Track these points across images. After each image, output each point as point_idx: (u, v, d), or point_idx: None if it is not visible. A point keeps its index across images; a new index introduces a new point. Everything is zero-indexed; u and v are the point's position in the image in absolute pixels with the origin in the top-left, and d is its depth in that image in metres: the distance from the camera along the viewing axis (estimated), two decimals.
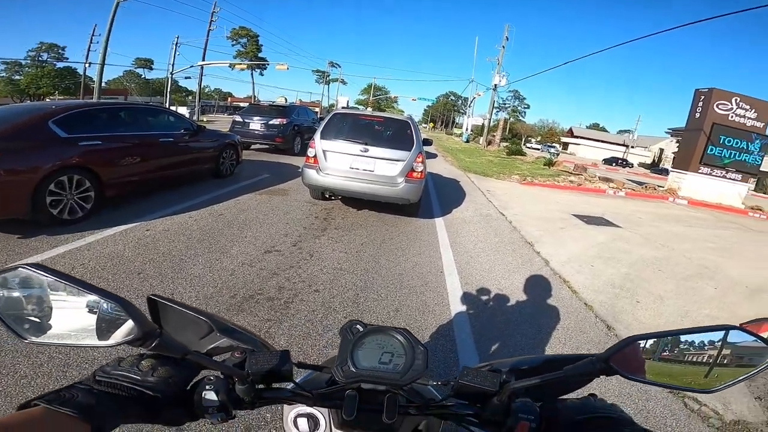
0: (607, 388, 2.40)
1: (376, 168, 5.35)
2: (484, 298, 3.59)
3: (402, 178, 5.30)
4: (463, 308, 3.29)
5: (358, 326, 0.61)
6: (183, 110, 24.00)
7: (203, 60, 28.61)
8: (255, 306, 2.92)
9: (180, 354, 0.48)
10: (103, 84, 23.05)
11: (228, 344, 0.62)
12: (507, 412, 0.52)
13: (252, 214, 5.27)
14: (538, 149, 45.58)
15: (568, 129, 74.20)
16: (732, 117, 13.01)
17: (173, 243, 3.93)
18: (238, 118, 11.58)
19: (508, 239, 5.67)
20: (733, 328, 0.42)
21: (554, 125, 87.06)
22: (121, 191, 4.81)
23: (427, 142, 6.56)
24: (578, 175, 15.38)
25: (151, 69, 63.02)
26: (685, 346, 0.44)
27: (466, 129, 45.92)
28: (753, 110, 13.06)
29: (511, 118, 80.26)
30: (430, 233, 5.44)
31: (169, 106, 22.11)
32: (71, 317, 0.45)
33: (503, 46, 30.39)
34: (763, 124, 13.19)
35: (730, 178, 13.42)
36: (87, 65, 34.50)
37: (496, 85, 30.23)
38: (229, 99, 54.28)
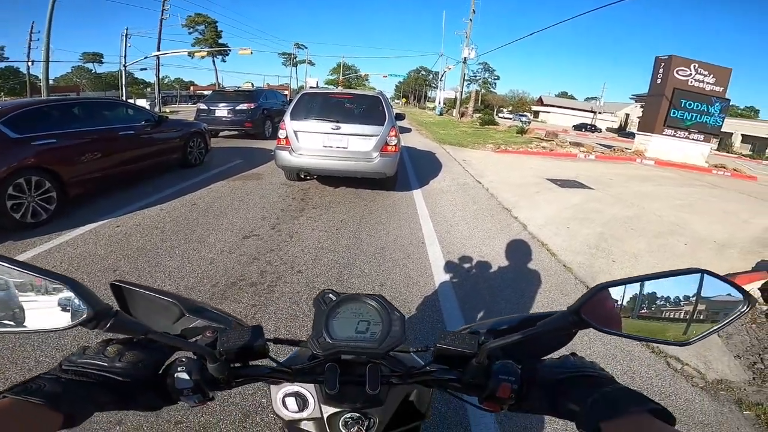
0: (592, 350, 2.46)
1: (350, 144, 5.34)
2: (467, 265, 3.65)
3: (377, 153, 5.30)
4: (447, 277, 3.34)
5: (330, 295, 0.59)
6: (142, 102, 22.85)
7: (158, 50, 27.23)
8: (238, 293, 2.88)
9: (141, 334, 0.45)
10: (51, 81, 21.56)
11: (203, 326, 0.60)
12: (488, 375, 0.51)
13: (226, 200, 5.13)
14: (510, 119, 45.93)
15: (538, 98, 74.96)
16: (691, 82, 13.61)
17: (147, 237, 3.79)
18: (203, 106, 11.22)
19: (486, 206, 5.76)
20: (701, 271, 0.42)
21: (524, 95, 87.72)
22: (86, 189, 4.59)
23: (399, 116, 6.52)
24: (550, 141, 15.66)
25: (102, 63, 60.03)
26: (662, 302, 0.44)
27: (439, 102, 45.77)
28: (711, 75, 13.70)
29: (483, 90, 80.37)
30: (408, 205, 5.46)
31: (126, 99, 20.96)
32: (20, 302, 0.42)
33: (470, 19, 30.13)
34: (722, 88, 13.87)
35: (693, 139, 14.10)
36: (30, 63, 32.01)
37: (465, 58, 30.23)
38: (192, 88, 52.07)
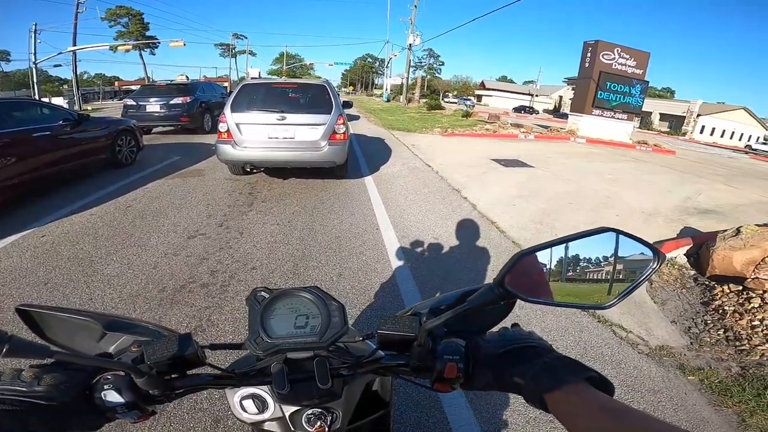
0: (546, 323, 2.58)
1: (297, 135, 5.20)
2: (422, 248, 3.72)
3: (325, 142, 5.21)
4: (403, 262, 3.38)
5: (263, 293, 0.56)
6: (59, 101, 20.60)
7: (74, 45, 24.62)
8: (189, 296, 2.71)
9: (46, 356, 0.41)
10: None
11: (131, 341, 0.56)
12: (434, 356, 0.51)
13: (166, 200, 4.80)
14: (456, 103, 47.08)
15: (480, 82, 77.36)
16: (615, 65, 14.82)
17: (78, 245, 3.45)
18: (130, 102, 10.39)
19: (436, 188, 5.90)
20: (611, 230, 0.44)
21: (468, 80, 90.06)
22: None
23: (347, 104, 6.45)
24: (493, 123, 16.29)
25: (9, 61, 53.44)
26: (585, 264, 0.46)
27: (386, 89, 45.75)
28: (632, 59, 14.99)
29: (428, 76, 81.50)
30: (360, 192, 5.46)
31: (39, 98, 18.77)
32: None
33: (415, 6, 30.35)
34: (641, 71, 15.24)
35: (618, 118, 15.42)
36: None
37: (410, 44, 30.46)
38: (117, 83, 47.85)
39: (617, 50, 14.67)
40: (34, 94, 22.40)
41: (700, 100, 42.40)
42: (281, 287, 0.56)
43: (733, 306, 2.93)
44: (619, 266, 0.45)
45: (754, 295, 2.99)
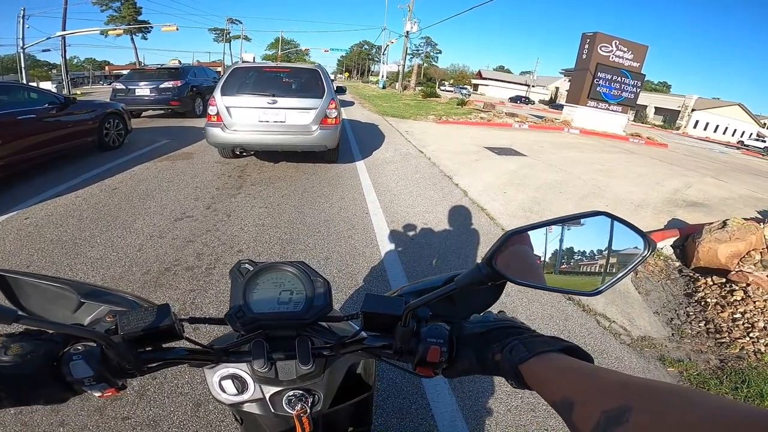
0: (532, 311, 2.60)
1: (288, 118, 5.16)
2: (411, 233, 3.72)
3: (316, 126, 5.18)
4: (392, 246, 3.38)
5: (247, 266, 0.55)
6: (47, 85, 20.16)
7: (63, 30, 23.94)
8: (174, 279, 2.69)
9: (11, 320, 0.39)
10: None
11: (106, 312, 0.54)
12: (418, 340, 0.50)
13: (153, 183, 4.72)
14: (451, 91, 46.80)
15: (477, 71, 76.77)
16: (612, 58, 14.74)
17: (62, 227, 3.39)
18: (119, 86, 10.24)
19: (428, 174, 5.89)
20: (604, 213, 0.43)
21: (465, 69, 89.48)
22: None
23: (340, 90, 6.38)
24: (487, 112, 16.23)
25: None
26: (579, 257, 0.46)
27: (382, 76, 45.25)
28: (630, 52, 14.90)
29: (425, 64, 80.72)
30: (352, 177, 5.43)
31: (27, 82, 18.35)
32: None
33: None
34: (639, 64, 15.16)
35: (612, 110, 15.41)
36: None
37: (408, 32, 30.06)
38: (107, 68, 46.72)
39: (615, 42, 14.60)
40: (22, 79, 21.94)
41: (696, 95, 42.57)
42: (266, 261, 0.55)
43: (716, 298, 2.95)
44: (613, 259, 0.44)
45: (737, 288, 3.01)
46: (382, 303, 0.51)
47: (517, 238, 0.44)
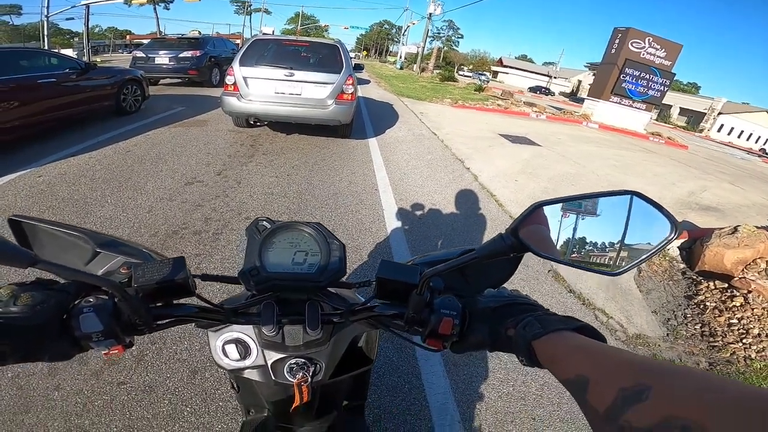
0: (535, 297, 2.61)
1: (304, 92, 5.16)
2: (419, 213, 3.71)
3: (332, 101, 5.18)
4: (399, 224, 3.38)
5: (265, 223, 0.55)
6: (68, 52, 20.18)
7: None
8: (180, 242, 2.73)
9: (27, 263, 0.37)
10: None
11: (120, 263, 0.53)
12: (430, 311, 0.49)
13: (166, 147, 4.76)
14: (470, 77, 45.84)
15: (498, 59, 74.79)
16: (644, 54, 14.12)
17: (74, 186, 3.44)
18: (140, 54, 10.40)
19: (440, 156, 5.85)
20: (632, 193, 0.42)
21: (485, 55, 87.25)
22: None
23: (358, 67, 6.38)
24: (505, 99, 15.90)
25: (20, 14, 51.70)
26: (590, 248, 0.45)
27: (401, 57, 44.49)
28: (662, 50, 14.24)
29: (445, 47, 78.95)
30: (363, 153, 5.43)
31: (48, 49, 18.44)
32: None
33: None
34: (670, 63, 14.50)
35: (635, 107, 14.85)
36: None
37: (431, 14, 29.41)
38: (128, 37, 46.60)
39: (648, 39, 14.00)
40: (44, 47, 22.04)
41: (725, 98, 41.04)
42: (283, 220, 0.54)
43: (715, 302, 2.93)
44: (624, 253, 0.44)
45: (737, 294, 2.97)
46: (398, 270, 0.50)
47: (534, 215, 0.44)
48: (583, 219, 0.45)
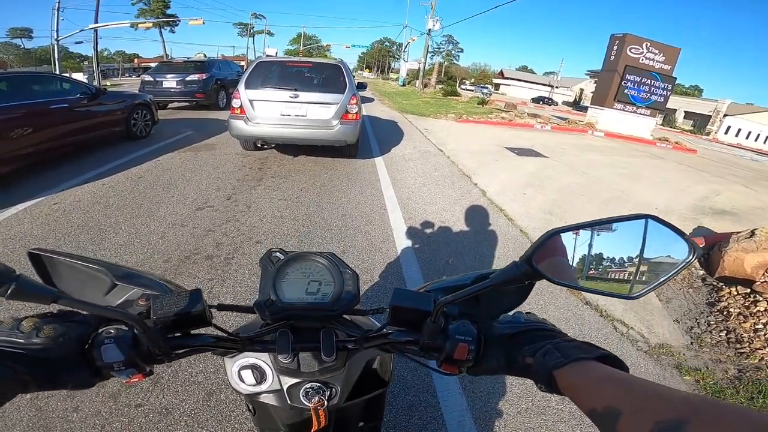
0: (547, 316, 2.55)
1: (309, 113, 5.23)
2: (428, 231, 3.70)
3: (337, 121, 5.23)
4: (409, 243, 3.37)
5: (278, 254, 0.55)
6: (79, 76, 20.85)
7: (96, 22, 24.72)
8: (193, 267, 2.75)
9: (50, 299, 0.38)
10: None
11: (138, 295, 0.54)
12: (445, 336, 0.49)
13: (177, 172, 4.84)
14: (472, 90, 46.26)
15: (499, 71, 75.66)
16: (642, 60, 14.19)
17: (88, 213, 3.51)
18: (148, 78, 10.60)
19: (447, 173, 5.86)
20: (648, 216, 0.42)
21: (486, 68, 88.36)
22: (15, 166, 4.15)
23: (361, 85, 6.40)
24: (509, 112, 15.97)
25: (31, 38, 54.35)
26: (608, 264, 0.45)
27: (403, 74, 45.13)
28: (661, 54, 14.32)
29: (446, 62, 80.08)
30: (370, 172, 5.46)
31: (60, 73, 19.07)
32: None
33: None
34: (670, 67, 14.55)
35: (640, 113, 14.85)
36: None
37: (430, 29, 30.00)
38: (136, 60, 48.44)
39: (646, 44, 14.09)
40: (55, 70, 22.78)
41: (729, 99, 40.81)
42: (296, 250, 0.55)
43: (739, 308, 2.86)
44: (643, 267, 0.43)
45: (761, 299, 2.91)
46: (411, 298, 0.50)
47: (549, 242, 0.43)
48: (598, 235, 0.44)
